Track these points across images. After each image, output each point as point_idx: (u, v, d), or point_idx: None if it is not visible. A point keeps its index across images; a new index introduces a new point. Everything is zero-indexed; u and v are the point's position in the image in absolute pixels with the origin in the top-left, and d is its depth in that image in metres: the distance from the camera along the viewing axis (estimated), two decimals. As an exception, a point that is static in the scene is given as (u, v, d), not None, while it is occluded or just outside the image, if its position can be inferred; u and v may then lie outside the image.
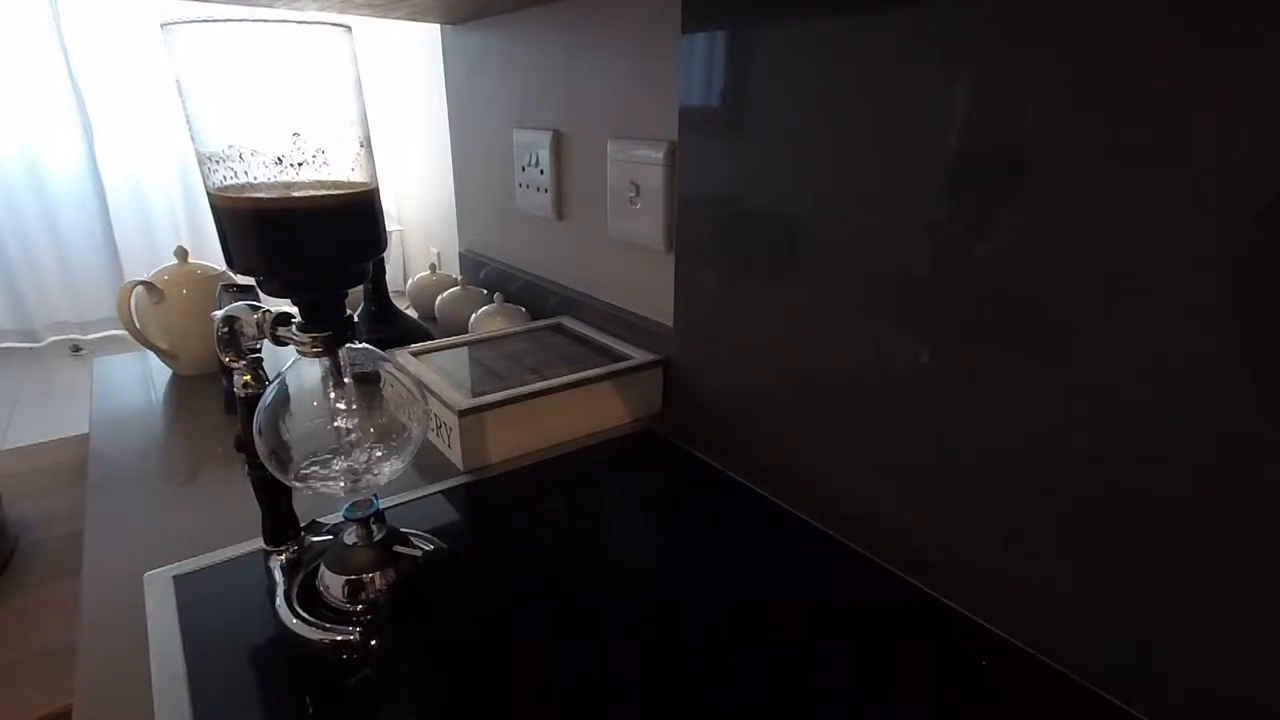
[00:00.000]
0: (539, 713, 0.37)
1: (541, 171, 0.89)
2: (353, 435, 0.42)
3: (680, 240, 0.63)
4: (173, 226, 2.82)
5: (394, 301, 0.92)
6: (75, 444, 1.07)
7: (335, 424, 0.41)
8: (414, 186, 1.47)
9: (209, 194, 0.35)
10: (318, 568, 0.44)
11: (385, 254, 0.44)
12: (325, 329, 0.38)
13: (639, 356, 0.71)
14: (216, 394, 0.77)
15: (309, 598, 0.43)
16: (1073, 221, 0.36)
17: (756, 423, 0.59)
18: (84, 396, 0.76)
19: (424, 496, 0.57)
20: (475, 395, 0.61)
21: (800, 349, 0.54)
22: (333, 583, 0.43)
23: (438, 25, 1.10)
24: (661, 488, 0.62)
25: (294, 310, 0.39)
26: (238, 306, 0.39)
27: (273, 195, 0.34)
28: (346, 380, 0.40)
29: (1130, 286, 0.34)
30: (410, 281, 1.12)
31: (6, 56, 2.46)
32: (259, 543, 0.46)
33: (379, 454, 0.43)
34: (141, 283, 0.79)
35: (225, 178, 0.34)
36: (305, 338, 0.38)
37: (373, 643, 0.41)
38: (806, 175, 0.50)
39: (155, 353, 0.81)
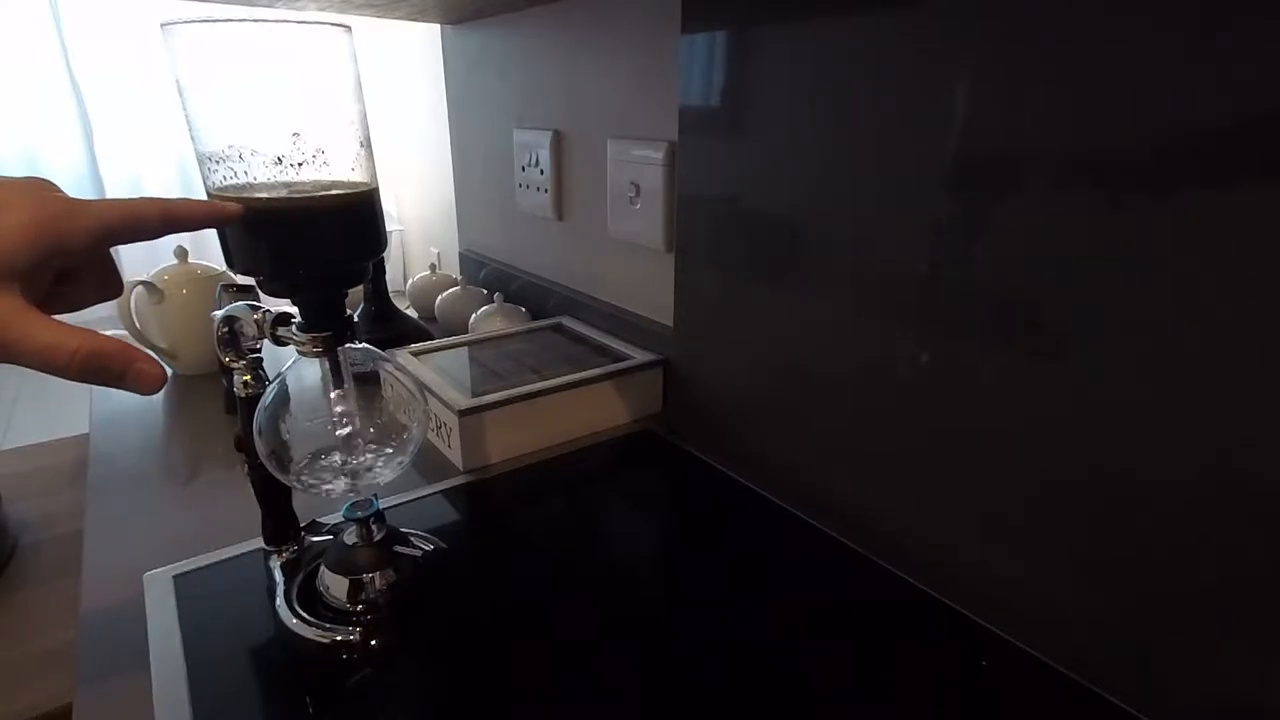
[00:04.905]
0: (539, 713, 0.37)
1: (541, 171, 0.89)
2: (353, 435, 0.42)
3: (680, 240, 0.63)
4: (173, 226, 2.81)
5: (394, 301, 0.92)
6: (75, 444, 1.07)
7: (335, 424, 0.41)
8: (414, 186, 1.47)
9: (209, 194, 0.35)
10: (318, 568, 0.44)
11: (385, 254, 0.44)
12: (325, 329, 0.38)
13: (639, 356, 0.71)
14: (216, 394, 0.77)
15: (309, 598, 0.43)
16: (1071, 220, 0.36)
17: (756, 422, 0.59)
18: (84, 396, 0.76)
19: (424, 496, 0.57)
20: (475, 395, 0.61)
21: (800, 348, 0.54)
22: (333, 583, 0.43)
23: (438, 25, 1.10)
24: (661, 488, 0.62)
25: (294, 310, 0.39)
26: (238, 306, 0.39)
27: (273, 195, 0.34)
28: (346, 380, 0.40)
29: (1130, 285, 0.34)
30: (410, 281, 1.12)
31: (6, 56, 2.46)
32: (259, 543, 0.46)
33: (379, 454, 0.43)
34: (141, 283, 0.79)
35: (225, 178, 0.34)
36: (305, 338, 0.38)
37: (373, 643, 0.41)
38: (806, 175, 0.50)
39: (155, 353, 0.81)
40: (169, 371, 0.32)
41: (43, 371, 0.28)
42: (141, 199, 0.31)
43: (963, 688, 0.39)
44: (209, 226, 0.34)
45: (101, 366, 0.29)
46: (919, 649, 0.42)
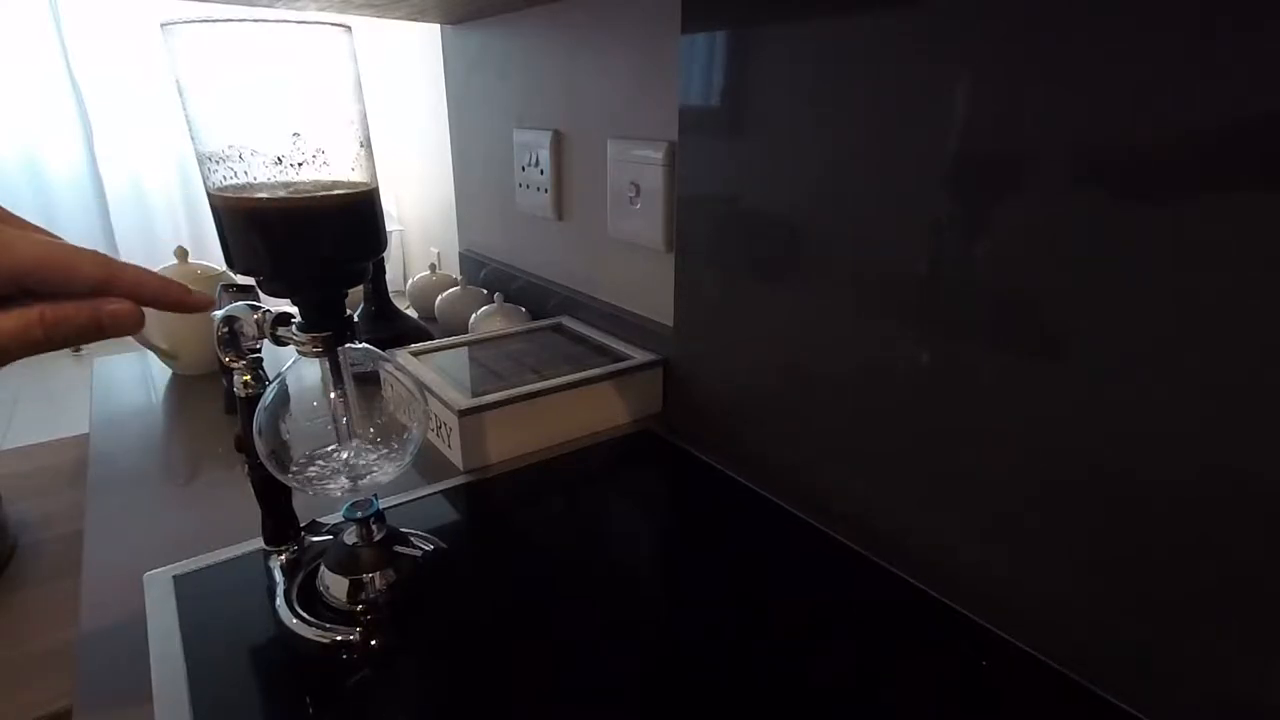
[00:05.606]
0: (539, 713, 0.37)
1: (541, 171, 0.89)
2: (353, 435, 0.42)
3: (680, 240, 0.63)
4: (173, 226, 2.82)
5: (394, 301, 0.92)
6: (75, 444, 1.07)
7: (335, 424, 0.41)
8: (414, 186, 1.47)
9: (209, 194, 0.35)
10: (318, 568, 0.44)
11: (385, 254, 0.44)
12: (325, 329, 0.38)
13: (639, 356, 0.71)
14: (216, 394, 0.77)
15: (309, 598, 0.43)
16: (1071, 220, 0.36)
17: (756, 422, 0.59)
18: (84, 396, 0.76)
19: (424, 496, 0.57)
20: (475, 395, 0.61)
21: (800, 348, 0.54)
22: (333, 583, 0.43)
23: (438, 25, 1.10)
24: (661, 488, 0.62)
25: (294, 310, 0.39)
26: (238, 306, 0.39)
27: (273, 195, 0.34)
28: (346, 380, 0.40)
29: (1130, 285, 0.34)
30: (410, 281, 1.12)
31: (6, 56, 2.46)
32: (259, 543, 0.46)
33: (379, 454, 0.43)
34: (141, 283, 0.79)
35: (225, 178, 0.34)
36: (305, 338, 0.38)
37: (373, 643, 0.41)
38: (806, 175, 0.50)
39: (155, 353, 0.81)
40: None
41: (26, 356, 0.27)
42: (82, 251, 0.28)
43: (963, 688, 0.39)
44: (161, 308, 0.31)
45: (76, 323, 0.28)
46: (919, 649, 0.42)
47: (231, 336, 0.40)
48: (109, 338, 0.29)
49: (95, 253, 0.29)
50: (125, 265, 0.29)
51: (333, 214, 0.36)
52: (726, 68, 0.55)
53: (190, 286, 0.32)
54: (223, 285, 0.60)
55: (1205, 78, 0.30)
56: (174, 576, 0.46)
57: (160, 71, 2.58)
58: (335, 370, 0.40)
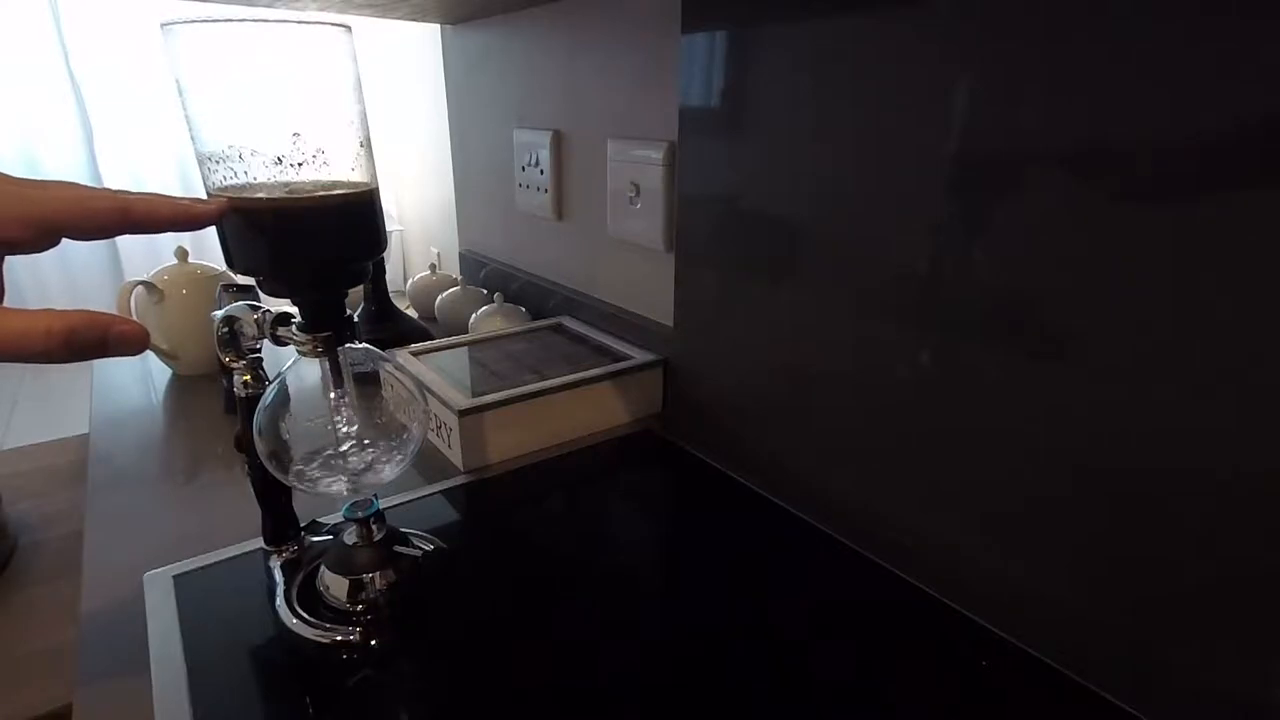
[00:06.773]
0: (539, 713, 0.37)
1: (541, 171, 0.89)
2: (353, 435, 0.42)
3: (680, 240, 0.63)
4: (173, 226, 2.81)
5: (394, 301, 0.92)
6: (75, 444, 1.07)
7: (335, 424, 0.41)
8: (414, 186, 1.47)
9: (209, 194, 0.35)
10: (318, 568, 0.44)
11: (385, 254, 0.44)
12: (325, 329, 0.38)
13: (639, 356, 0.71)
14: (216, 394, 0.77)
15: (309, 598, 0.43)
16: (1071, 220, 0.36)
17: (756, 423, 0.59)
18: (84, 396, 0.76)
19: (424, 496, 0.57)
20: (475, 395, 0.61)
21: (800, 349, 0.54)
22: (333, 583, 0.43)
23: (438, 25, 1.10)
24: (661, 488, 0.62)
25: (294, 310, 0.39)
26: (238, 306, 0.39)
27: (272, 195, 0.34)
28: (346, 380, 0.40)
29: (1130, 285, 0.34)
30: (410, 281, 1.12)
31: (6, 55, 2.46)
32: (259, 543, 0.46)
33: (379, 454, 0.43)
34: (141, 283, 0.79)
35: (225, 178, 0.34)
36: (305, 338, 0.38)
37: (373, 643, 0.41)
38: (806, 175, 0.50)
39: (155, 353, 0.81)
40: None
41: (21, 361, 0.27)
42: (100, 191, 0.28)
43: (963, 688, 0.39)
44: (179, 229, 0.31)
45: (81, 341, 0.27)
46: (919, 649, 0.42)
47: (231, 336, 0.40)
48: (113, 356, 0.29)
49: (107, 191, 0.29)
50: (136, 197, 0.29)
51: (333, 214, 0.36)
52: (726, 68, 0.55)
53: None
54: (223, 285, 0.60)
55: (1205, 78, 0.30)
56: (174, 576, 0.46)
57: (160, 71, 2.58)
58: (335, 370, 0.40)
